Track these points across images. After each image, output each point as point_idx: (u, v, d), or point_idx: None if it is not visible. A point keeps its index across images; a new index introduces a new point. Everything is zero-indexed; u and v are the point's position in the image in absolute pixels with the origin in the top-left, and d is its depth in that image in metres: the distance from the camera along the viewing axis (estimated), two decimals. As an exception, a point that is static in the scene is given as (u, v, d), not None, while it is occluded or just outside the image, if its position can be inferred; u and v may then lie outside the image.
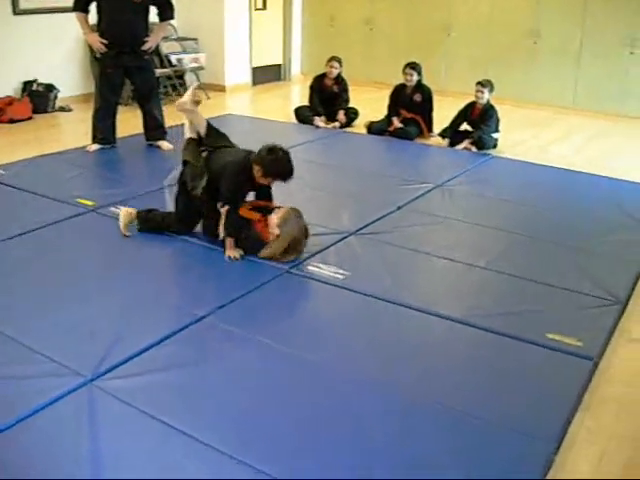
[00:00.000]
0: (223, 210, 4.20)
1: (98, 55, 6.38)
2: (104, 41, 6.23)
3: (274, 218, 4.20)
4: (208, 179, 4.26)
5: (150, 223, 4.58)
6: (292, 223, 4.20)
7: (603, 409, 3.05)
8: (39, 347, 3.20)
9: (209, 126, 4.48)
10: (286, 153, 4.20)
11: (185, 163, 4.41)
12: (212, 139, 4.46)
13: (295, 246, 4.22)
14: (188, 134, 4.56)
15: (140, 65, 6.40)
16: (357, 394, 2.99)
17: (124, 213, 4.56)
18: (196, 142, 4.48)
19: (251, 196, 4.45)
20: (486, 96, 7.12)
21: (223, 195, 4.21)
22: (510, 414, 2.89)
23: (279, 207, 4.33)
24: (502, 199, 5.59)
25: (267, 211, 4.32)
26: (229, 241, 4.25)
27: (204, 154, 4.40)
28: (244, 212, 4.29)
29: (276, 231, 4.18)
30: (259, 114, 8.54)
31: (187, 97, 4.55)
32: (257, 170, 4.17)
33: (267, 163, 4.14)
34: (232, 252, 4.24)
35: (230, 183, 4.19)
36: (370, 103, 8.99)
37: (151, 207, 4.68)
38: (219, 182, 4.22)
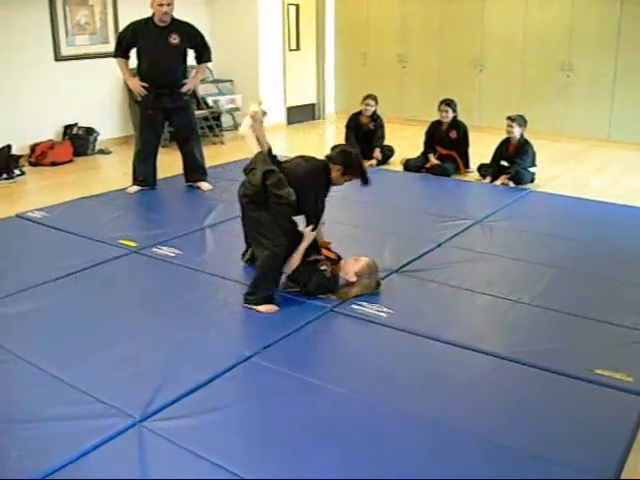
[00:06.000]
0: (310, 232, 4.16)
1: (138, 98, 6.49)
2: (144, 84, 6.36)
3: (354, 266, 4.21)
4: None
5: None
6: (372, 276, 4.24)
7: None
8: (87, 388, 3.21)
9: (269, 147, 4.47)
10: (357, 152, 4.33)
11: (265, 175, 4.08)
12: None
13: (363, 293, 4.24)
14: (256, 149, 4.43)
15: (180, 106, 6.49)
16: (403, 431, 2.97)
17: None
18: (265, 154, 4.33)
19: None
20: (516, 130, 7.10)
21: (312, 210, 4.16)
22: (562, 450, 2.84)
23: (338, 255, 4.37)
24: (542, 233, 5.55)
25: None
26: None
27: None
28: (323, 250, 4.33)
29: (353, 278, 4.19)
30: (295, 153, 8.36)
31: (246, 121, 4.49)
32: (336, 170, 4.21)
33: (347, 162, 4.21)
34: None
35: (317, 194, 4.19)
36: (404, 140, 9.03)
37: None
38: (299, 192, 4.08)
